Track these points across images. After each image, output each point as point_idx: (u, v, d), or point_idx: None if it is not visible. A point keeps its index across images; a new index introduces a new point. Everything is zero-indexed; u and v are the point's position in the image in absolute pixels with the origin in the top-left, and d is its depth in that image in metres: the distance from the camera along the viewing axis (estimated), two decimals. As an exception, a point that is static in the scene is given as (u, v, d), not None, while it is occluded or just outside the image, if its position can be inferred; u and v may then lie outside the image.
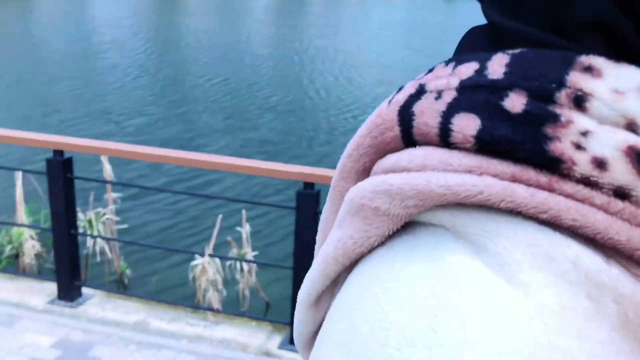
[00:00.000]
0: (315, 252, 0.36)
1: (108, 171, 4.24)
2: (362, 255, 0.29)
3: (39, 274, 4.60)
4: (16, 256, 4.91)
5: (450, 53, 0.34)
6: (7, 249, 4.92)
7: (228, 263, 4.21)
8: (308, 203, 3.04)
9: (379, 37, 18.89)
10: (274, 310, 4.45)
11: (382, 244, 0.29)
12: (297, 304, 0.34)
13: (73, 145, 3.36)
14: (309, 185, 3.05)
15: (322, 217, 0.35)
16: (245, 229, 4.19)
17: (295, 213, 3.07)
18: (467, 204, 0.26)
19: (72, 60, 13.72)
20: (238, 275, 4.23)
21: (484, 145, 0.26)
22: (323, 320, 0.31)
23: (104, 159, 4.27)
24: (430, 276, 0.25)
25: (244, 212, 4.27)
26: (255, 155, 7.44)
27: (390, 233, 0.28)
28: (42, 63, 13.40)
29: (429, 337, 0.23)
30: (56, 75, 12.19)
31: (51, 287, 3.66)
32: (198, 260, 3.71)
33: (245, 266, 4.16)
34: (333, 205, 0.33)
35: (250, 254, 4.17)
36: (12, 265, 4.85)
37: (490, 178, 0.25)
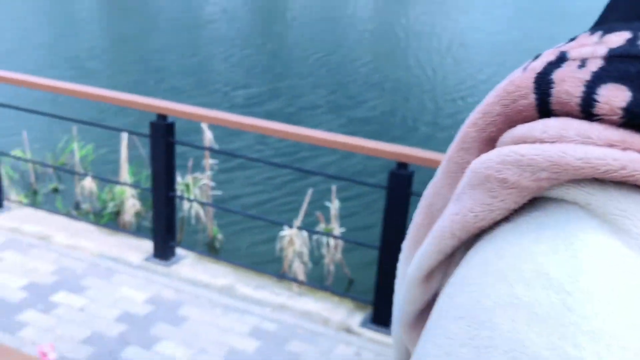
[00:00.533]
0: (410, 231, 0.35)
1: (208, 138, 4.36)
2: (483, 230, 0.28)
3: (137, 231, 4.84)
4: (117, 213, 5.20)
5: (564, 37, 0.30)
6: (110, 206, 5.22)
7: (315, 237, 4.23)
8: (400, 184, 2.97)
9: (489, 15, 18.14)
10: (357, 288, 4.45)
11: (505, 219, 0.27)
12: (404, 281, 0.33)
13: (176, 111, 3.46)
14: (402, 166, 2.97)
15: (428, 193, 0.34)
16: (334, 205, 4.19)
17: (386, 193, 3.01)
18: (604, 181, 0.25)
19: (185, 29, 14.19)
20: (324, 250, 4.25)
21: (633, 119, 0.24)
22: (432, 298, 0.31)
23: (205, 126, 4.40)
24: (563, 253, 0.24)
25: (333, 188, 4.27)
26: (355, 133, 7.40)
27: (516, 207, 0.27)
28: (156, 32, 13.99)
29: (562, 314, 0.22)
30: (168, 44, 12.68)
31: (147, 245, 3.84)
32: (286, 232, 3.75)
33: (331, 242, 4.17)
34: (447, 179, 0.32)
35: (337, 230, 4.17)
36: (113, 222, 5.14)
37: (635, 153, 0.24)
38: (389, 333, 3.17)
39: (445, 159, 0.32)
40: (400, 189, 2.98)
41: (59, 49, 11.75)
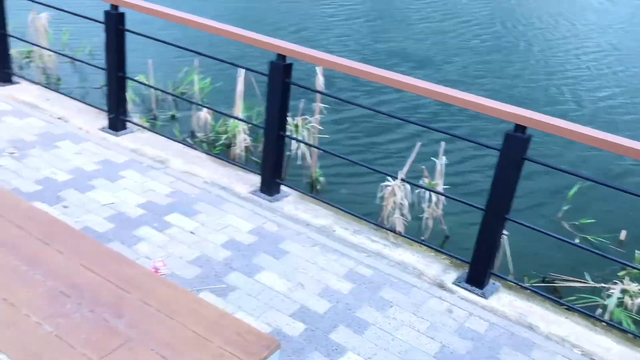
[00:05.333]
0: None
1: (320, 82, 4.41)
2: None
3: (246, 165, 5.04)
4: (228, 146, 5.43)
5: None
6: (223, 138, 5.45)
7: (417, 191, 4.23)
8: (516, 147, 2.89)
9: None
10: (453, 245, 4.43)
11: None
12: None
13: (295, 52, 3.52)
14: (520, 128, 2.89)
15: None
16: (441, 161, 4.15)
17: (499, 155, 2.95)
18: None
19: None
20: (425, 204, 4.25)
21: None
22: None
23: (319, 70, 4.44)
24: None
25: (443, 143, 4.22)
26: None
27: None
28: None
29: None
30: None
31: (254, 179, 4.00)
32: (389, 182, 3.78)
33: (434, 197, 4.16)
34: None
35: (441, 186, 4.14)
36: (224, 153, 5.38)
37: None
38: (483, 294, 3.17)
39: None
40: (515, 153, 2.90)
41: None
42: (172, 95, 6.11)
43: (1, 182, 3.66)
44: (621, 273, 4.09)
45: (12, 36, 5.04)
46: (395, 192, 3.74)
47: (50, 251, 2.20)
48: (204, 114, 5.34)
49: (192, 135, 5.71)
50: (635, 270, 4.07)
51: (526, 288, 3.28)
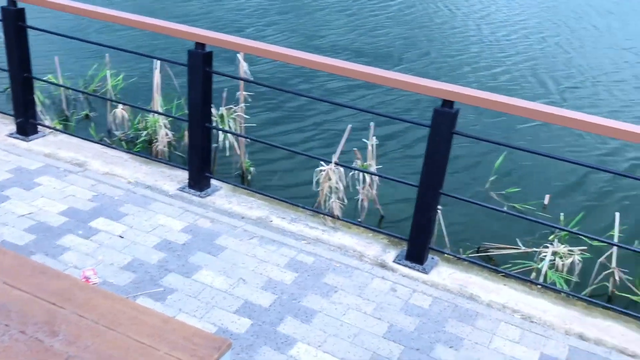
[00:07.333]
0: None
1: (243, 68, 4.29)
2: None
3: (170, 161, 4.85)
4: (150, 142, 5.21)
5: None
6: (143, 135, 5.22)
7: (351, 173, 4.21)
8: (445, 122, 2.91)
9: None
10: (389, 224, 4.46)
11: None
12: None
13: (214, 39, 3.39)
14: (447, 103, 2.91)
15: None
16: (372, 142, 4.14)
17: (429, 131, 2.96)
18: None
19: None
20: (359, 186, 4.24)
21: None
22: None
23: (240, 57, 4.32)
24: None
25: (372, 124, 4.21)
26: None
27: None
28: None
29: None
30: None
31: (182, 175, 3.85)
32: (323, 167, 3.73)
33: (367, 178, 4.15)
34: None
35: (374, 167, 4.14)
36: (146, 150, 5.15)
37: None
38: (424, 269, 3.19)
39: None
40: (444, 128, 2.92)
41: None
42: (84, 93, 5.80)
43: None
44: (551, 237, 4.25)
45: None
46: (330, 176, 3.69)
47: (-34, 272, 2.00)
48: (120, 111, 5.09)
49: (110, 134, 5.44)
50: (563, 232, 4.24)
51: (464, 259, 3.34)
